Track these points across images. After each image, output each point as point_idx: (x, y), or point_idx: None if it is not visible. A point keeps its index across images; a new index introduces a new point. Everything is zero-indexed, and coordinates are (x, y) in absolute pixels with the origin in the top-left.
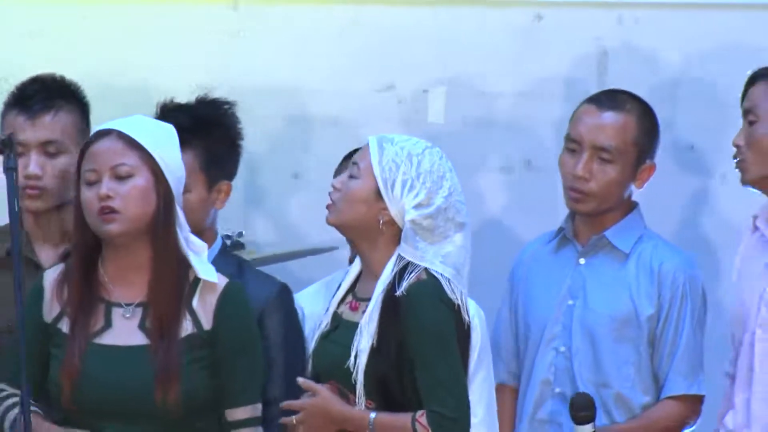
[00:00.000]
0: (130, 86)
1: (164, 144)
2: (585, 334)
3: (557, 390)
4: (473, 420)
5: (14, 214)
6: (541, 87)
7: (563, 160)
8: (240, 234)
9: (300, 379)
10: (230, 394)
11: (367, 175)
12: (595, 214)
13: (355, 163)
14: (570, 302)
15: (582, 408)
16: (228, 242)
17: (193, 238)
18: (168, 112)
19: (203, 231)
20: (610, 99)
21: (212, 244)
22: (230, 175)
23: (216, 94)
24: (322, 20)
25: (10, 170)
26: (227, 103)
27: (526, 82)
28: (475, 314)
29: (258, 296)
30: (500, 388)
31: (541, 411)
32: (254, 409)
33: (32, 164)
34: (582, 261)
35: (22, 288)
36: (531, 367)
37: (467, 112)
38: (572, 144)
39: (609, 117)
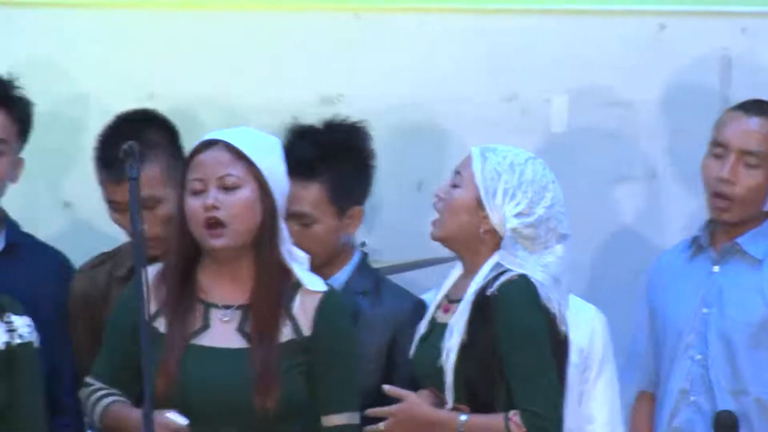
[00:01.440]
0: (254, 101)
1: (269, 156)
2: (721, 341)
3: (692, 399)
4: (592, 426)
5: (136, 223)
6: (664, 96)
7: (707, 165)
8: (363, 243)
9: (386, 387)
10: (327, 401)
11: (469, 184)
12: (737, 223)
13: (458, 172)
14: (705, 311)
15: (726, 426)
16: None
17: (295, 250)
18: (295, 139)
19: (338, 253)
20: (756, 107)
21: (349, 259)
22: (361, 199)
23: (337, 103)
24: (444, 29)
25: (133, 180)
26: (356, 123)
27: (649, 91)
28: (595, 318)
29: (394, 312)
30: (640, 396)
31: (677, 419)
32: (351, 417)
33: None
34: (716, 269)
35: (144, 302)
36: (667, 376)
37: (590, 121)
38: (718, 149)
39: (756, 123)
